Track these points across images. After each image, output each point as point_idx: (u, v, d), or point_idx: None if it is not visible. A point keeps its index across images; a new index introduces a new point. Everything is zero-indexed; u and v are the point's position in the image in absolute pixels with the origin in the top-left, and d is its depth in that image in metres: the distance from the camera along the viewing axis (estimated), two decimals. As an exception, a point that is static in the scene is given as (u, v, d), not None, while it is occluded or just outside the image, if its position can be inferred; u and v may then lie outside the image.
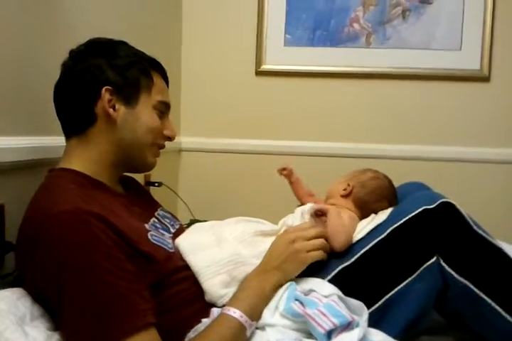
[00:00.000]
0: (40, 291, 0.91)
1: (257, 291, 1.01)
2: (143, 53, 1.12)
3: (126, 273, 0.88)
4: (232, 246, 1.09)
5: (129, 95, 1.05)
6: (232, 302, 0.98)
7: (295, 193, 1.45)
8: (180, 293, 1.00)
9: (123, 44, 1.11)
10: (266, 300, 1.01)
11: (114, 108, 1.04)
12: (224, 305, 0.99)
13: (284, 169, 1.42)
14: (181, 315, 0.98)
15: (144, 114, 1.07)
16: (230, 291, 1.02)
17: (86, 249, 0.86)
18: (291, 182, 1.44)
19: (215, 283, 1.02)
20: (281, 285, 1.05)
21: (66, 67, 1.06)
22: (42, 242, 0.89)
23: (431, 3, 2.16)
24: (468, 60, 2.14)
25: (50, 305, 0.90)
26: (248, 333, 0.95)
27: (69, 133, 1.07)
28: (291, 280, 1.06)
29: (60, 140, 1.10)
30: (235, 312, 0.94)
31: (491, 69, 2.12)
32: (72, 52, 1.07)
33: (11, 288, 0.94)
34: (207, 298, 1.02)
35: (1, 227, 1.06)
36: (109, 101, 1.03)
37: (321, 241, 1.10)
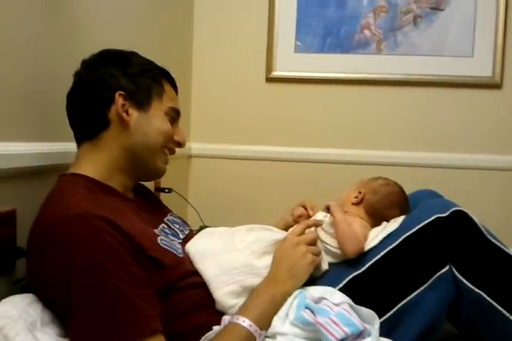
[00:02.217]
0: (49, 296, 0.91)
1: (267, 300, 1.00)
2: (153, 63, 1.14)
3: (135, 278, 0.88)
4: (244, 256, 1.08)
5: (141, 101, 1.07)
6: (241, 310, 0.98)
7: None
8: (190, 299, 0.99)
9: (134, 54, 1.13)
10: (276, 309, 1.01)
11: (127, 112, 1.05)
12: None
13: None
14: (192, 321, 0.98)
15: (156, 118, 1.09)
16: (241, 301, 1.01)
17: (94, 253, 0.86)
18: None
19: (225, 293, 1.01)
20: (291, 294, 1.04)
21: (79, 76, 1.08)
22: (50, 247, 0.89)
23: (442, 10, 2.14)
24: (480, 67, 2.12)
25: (60, 311, 0.90)
26: None
27: (81, 138, 1.08)
28: (300, 287, 1.06)
29: (70, 146, 1.11)
30: (244, 321, 0.94)
31: (503, 76, 2.10)
32: (84, 62, 1.09)
33: (22, 293, 0.94)
34: (218, 307, 1.01)
35: (12, 233, 1.06)
36: (123, 105, 1.04)
37: (319, 248, 1.16)
